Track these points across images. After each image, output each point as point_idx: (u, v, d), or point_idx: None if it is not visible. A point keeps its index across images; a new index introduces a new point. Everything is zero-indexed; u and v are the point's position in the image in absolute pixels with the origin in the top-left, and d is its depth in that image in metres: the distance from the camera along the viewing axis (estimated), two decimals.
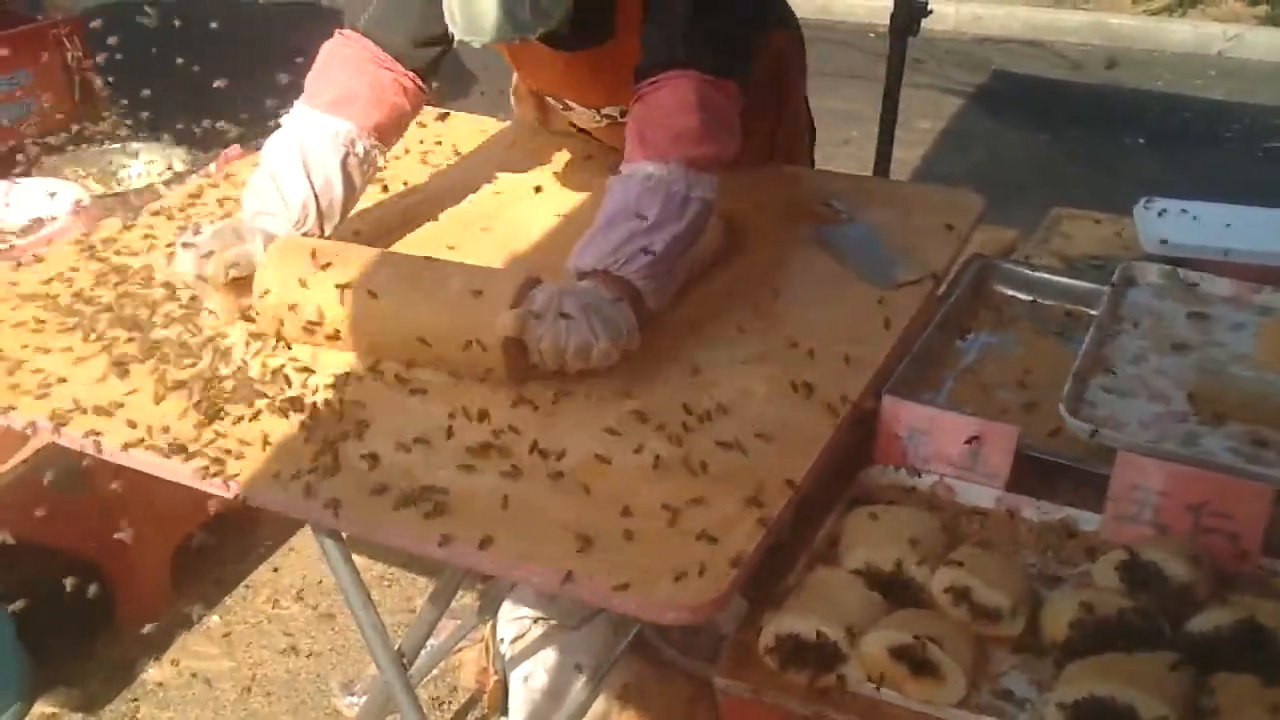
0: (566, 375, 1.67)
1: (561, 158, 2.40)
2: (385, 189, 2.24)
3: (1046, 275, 2.11)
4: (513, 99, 2.52)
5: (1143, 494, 1.52)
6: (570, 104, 2.20)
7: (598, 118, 2.20)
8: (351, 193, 1.98)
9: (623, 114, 2.02)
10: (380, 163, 2.03)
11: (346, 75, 1.96)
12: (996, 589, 1.38)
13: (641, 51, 1.85)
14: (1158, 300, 2.00)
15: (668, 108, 1.78)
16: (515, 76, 2.42)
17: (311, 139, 1.92)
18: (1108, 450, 1.58)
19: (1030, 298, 2.08)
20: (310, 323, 1.73)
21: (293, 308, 1.73)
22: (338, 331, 1.72)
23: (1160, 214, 2.32)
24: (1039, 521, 1.57)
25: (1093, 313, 1.95)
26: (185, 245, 1.82)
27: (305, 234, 1.91)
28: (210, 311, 1.84)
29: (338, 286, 1.70)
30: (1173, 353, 1.85)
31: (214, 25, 3.00)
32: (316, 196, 1.91)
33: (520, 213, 2.17)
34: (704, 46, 1.80)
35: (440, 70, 2.03)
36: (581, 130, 2.36)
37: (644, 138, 1.79)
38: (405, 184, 2.30)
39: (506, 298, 1.64)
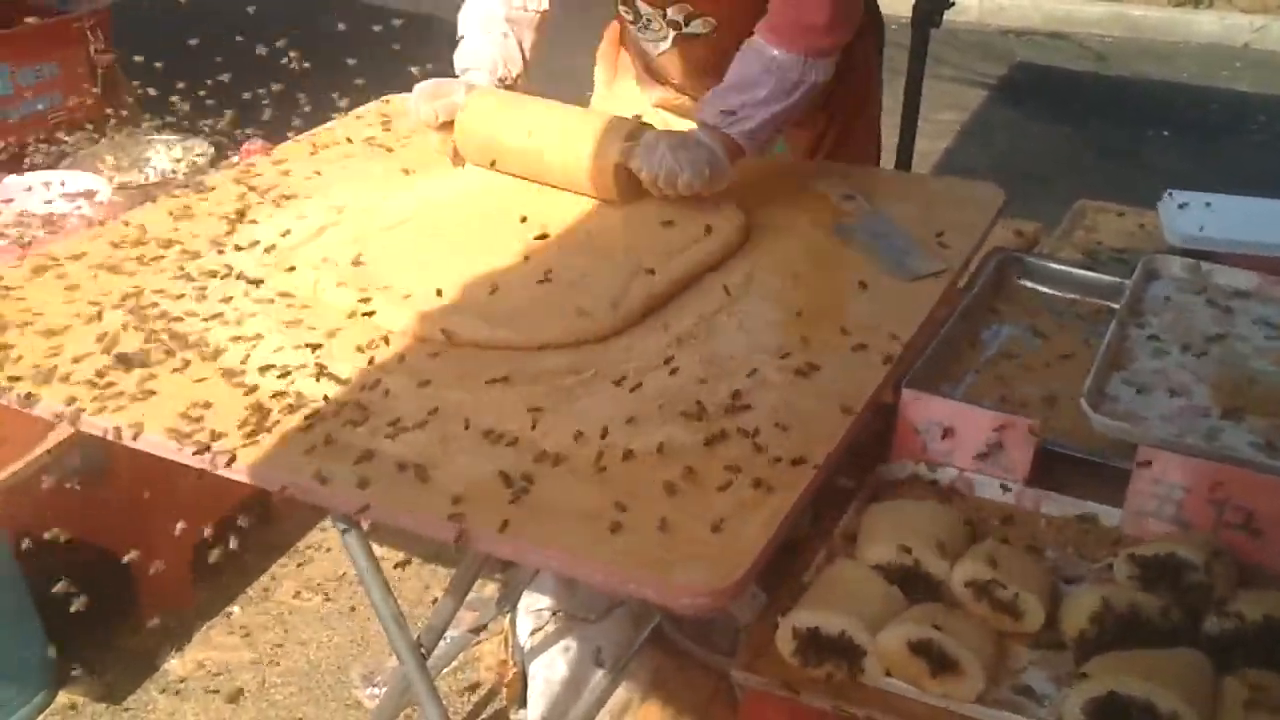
0: (584, 359, 1.70)
1: None
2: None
3: (1068, 268, 2.10)
4: (598, 60, 2.62)
5: (1164, 489, 1.51)
6: (641, 8, 2.25)
7: (662, 25, 2.25)
8: (523, 44, 2.31)
9: (687, 20, 2.21)
10: (544, 5, 2.31)
11: None
12: (1016, 584, 1.37)
13: None
14: (1180, 294, 1.98)
15: (800, 6, 2.04)
16: (605, 40, 2.57)
17: (487, 5, 2.29)
18: (1129, 445, 1.57)
19: (1052, 291, 2.06)
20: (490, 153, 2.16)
21: (483, 142, 2.17)
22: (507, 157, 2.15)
23: (1184, 207, 2.30)
24: (1059, 516, 1.57)
25: (1115, 306, 1.93)
26: (409, 102, 2.24)
27: (500, 79, 2.28)
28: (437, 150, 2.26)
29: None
30: (1195, 346, 1.84)
31: (238, 17, 3.02)
32: (502, 53, 2.27)
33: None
34: None
35: None
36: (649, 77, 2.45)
37: (775, 24, 2.05)
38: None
39: (623, 132, 2.05)
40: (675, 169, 1.98)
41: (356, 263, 1.92)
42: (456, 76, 2.28)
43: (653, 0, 2.21)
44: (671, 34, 2.25)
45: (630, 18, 2.31)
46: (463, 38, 2.32)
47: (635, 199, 2.05)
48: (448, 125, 2.19)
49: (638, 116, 2.20)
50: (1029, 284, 2.08)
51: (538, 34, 2.33)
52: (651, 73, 2.44)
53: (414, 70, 2.32)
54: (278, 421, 1.57)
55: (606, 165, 2.03)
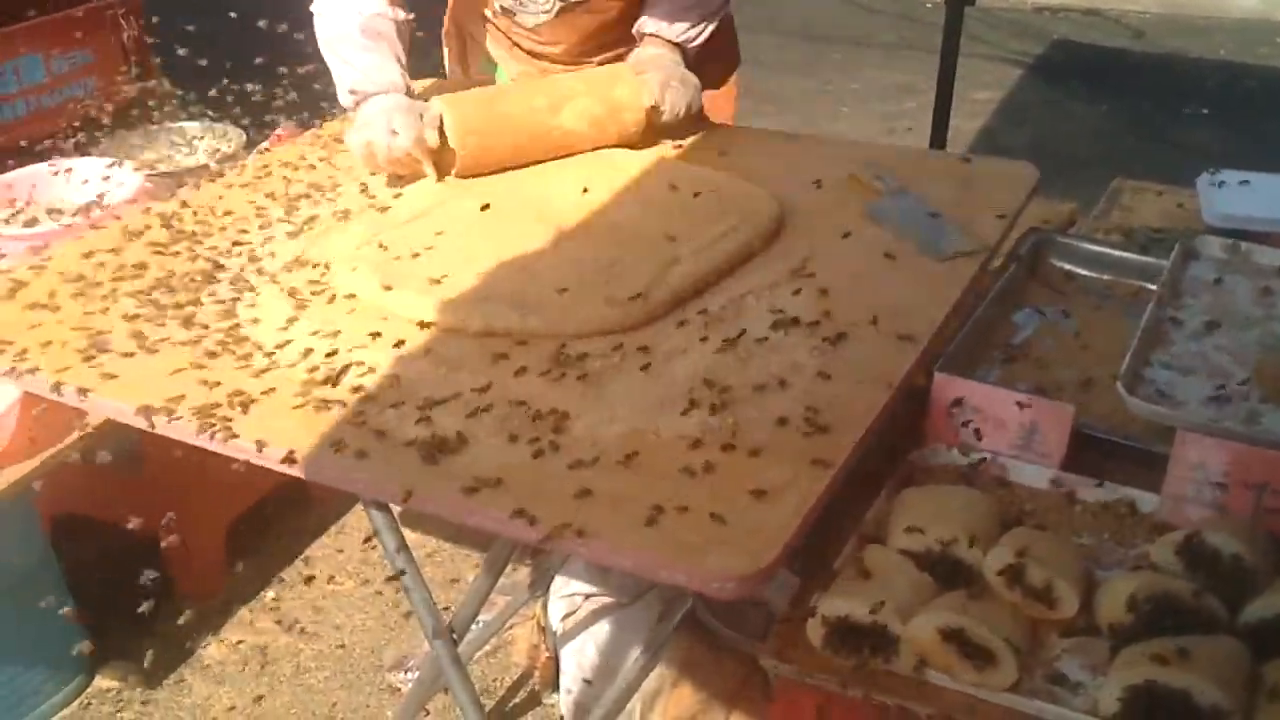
0: (613, 343, 1.70)
1: None
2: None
3: (1104, 249, 2.07)
4: (444, 43, 2.70)
5: (1202, 474, 1.48)
6: None
7: (546, 8, 2.35)
8: (406, 58, 2.24)
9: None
10: (410, 16, 2.26)
11: None
12: (1051, 571, 1.35)
13: None
14: (1219, 274, 1.95)
15: None
16: (446, 19, 2.64)
17: (367, 22, 2.16)
18: (1166, 429, 1.54)
19: (1088, 272, 2.04)
20: (501, 143, 2.15)
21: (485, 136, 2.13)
22: (524, 134, 2.17)
23: (1223, 185, 2.27)
24: (1095, 502, 1.54)
25: (1152, 287, 1.91)
26: (370, 139, 2.08)
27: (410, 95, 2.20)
28: (429, 174, 2.13)
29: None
30: (1234, 328, 1.81)
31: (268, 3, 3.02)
32: (399, 67, 2.19)
33: None
34: None
35: None
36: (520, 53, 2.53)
37: None
38: None
39: (633, 78, 2.23)
40: (690, 99, 2.24)
41: (383, 253, 1.91)
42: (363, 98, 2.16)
43: None
44: (557, 6, 2.34)
45: (503, 10, 2.39)
46: (340, 60, 2.19)
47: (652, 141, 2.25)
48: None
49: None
50: (1065, 265, 2.05)
51: (406, 43, 2.27)
52: (515, 47, 2.52)
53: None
54: (310, 411, 1.57)
55: (639, 112, 2.20)
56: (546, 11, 2.36)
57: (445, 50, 2.71)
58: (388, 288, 1.82)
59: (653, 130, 2.24)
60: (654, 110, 2.21)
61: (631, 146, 2.22)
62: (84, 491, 2.26)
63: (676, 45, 2.31)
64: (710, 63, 2.44)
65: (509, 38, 2.50)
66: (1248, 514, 1.46)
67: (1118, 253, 2.06)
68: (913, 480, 1.58)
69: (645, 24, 2.32)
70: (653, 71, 2.24)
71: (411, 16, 2.25)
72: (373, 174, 2.17)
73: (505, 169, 2.16)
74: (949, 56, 3.73)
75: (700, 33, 2.33)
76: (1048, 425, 1.58)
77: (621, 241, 1.92)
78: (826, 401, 1.54)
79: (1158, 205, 2.54)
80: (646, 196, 2.06)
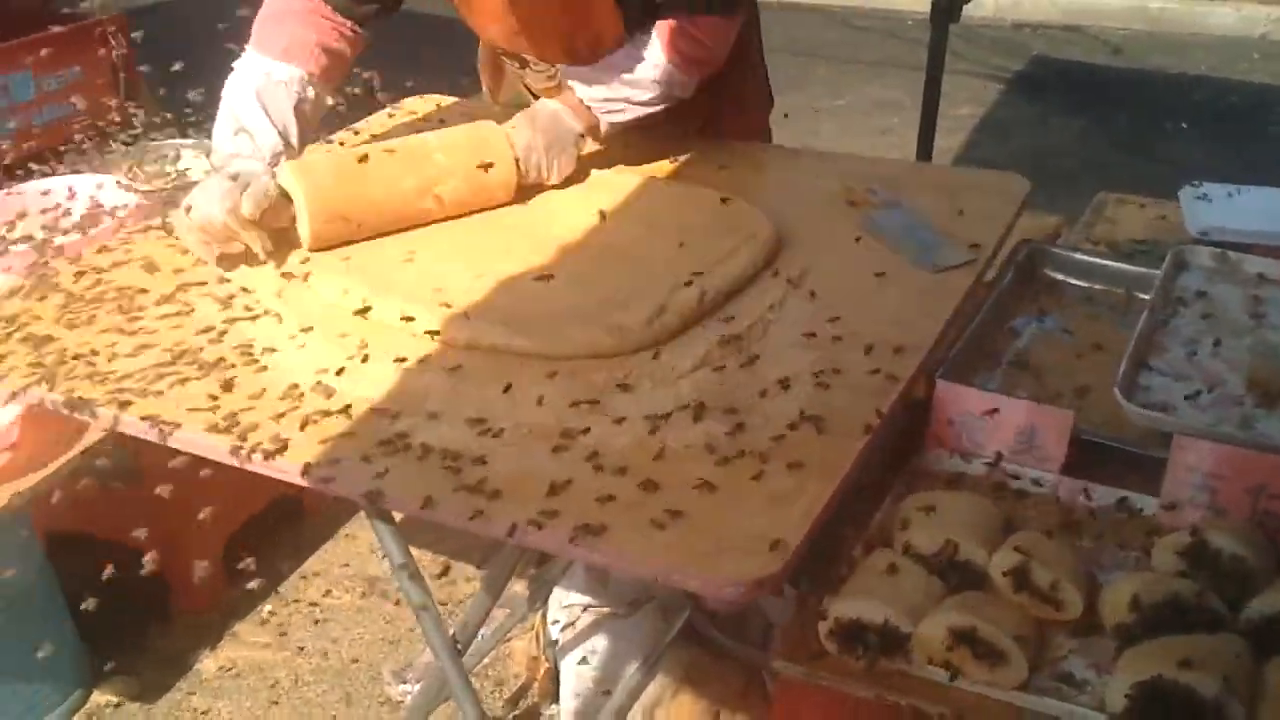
0: (620, 361, 1.70)
1: None
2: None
3: (1097, 259, 2.10)
4: (479, 70, 2.65)
5: (1199, 477, 1.51)
6: (528, 59, 2.29)
7: (551, 74, 2.29)
8: (306, 133, 2.14)
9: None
10: (329, 102, 2.20)
11: (294, 25, 2.11)
12: (1055, 572, 1.38)
13: None
14: (1210, 283, 1.98)
15: (702, 40, 2.13)
16: (480, 47, 2.56)
17: (268, 87, 2.07)
18: (1163, 433, 1.57)
19: (1081, 282, 2.07)
20: (351, 217, 1.99)
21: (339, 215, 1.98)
22: (376, 210, 2.01)
23: (1204, 198, 2.30)
24: (1095, 506, 1.57)
25: (1144, 297, 1.94)
26: (191, 205, 1.94)
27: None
28: (252, 255, 1.97)
29: (360, 161, 2.02)
30: (1227, 335, 1.84)
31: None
32: (282, 139, 2.06)
33: None
34: None
35: (379, 24, 2.20)
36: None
37: (680, 48, 2.11)
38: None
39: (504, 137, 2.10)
40: (557, 167, 2.14)
41: (383, 266, 1.93)
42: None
43: (542, 56, 2.26)
44: (558, 80, 2.29)
45: (516, 65, 2.36)
46: (224, 116, 2.09)
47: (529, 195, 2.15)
48: (265, 217, 1.96)
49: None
50: (1058, 275, 2.08)
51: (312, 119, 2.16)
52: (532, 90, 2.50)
53: None
54: (312, 421, 1.59)
55: (510, 182, 2.10)
56: (552, 78, 2.30)
57: (482, 77, 2.65)
58: (398, 308, 1.82)
59: (526, 188, 2.15)
60: (522, 173, 2.12)
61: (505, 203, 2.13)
62: (81, 507, 2.26)
63: (586, 108, 2.18)
64: (740, 115, 2.44)
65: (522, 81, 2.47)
66: (1245, 515, 1.48)
67: (1110, 263, 2.09)
68: (917, 486, 1.60)
69: (567, 72, 2.21)
70: (526, 129, 2.13)
71: (327, 105, 2.19)
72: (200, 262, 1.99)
73: (365, 234, 2.03)
74: (934, 73, 3.77)
75: (617, 112, 2.18)
76: (1047, 431, 1.61)
77: (618, 266, 1.93)
78: (830, 410, 1.56)
79: (1141, 217, 2.57)
80: (647, 219, 2.06)
